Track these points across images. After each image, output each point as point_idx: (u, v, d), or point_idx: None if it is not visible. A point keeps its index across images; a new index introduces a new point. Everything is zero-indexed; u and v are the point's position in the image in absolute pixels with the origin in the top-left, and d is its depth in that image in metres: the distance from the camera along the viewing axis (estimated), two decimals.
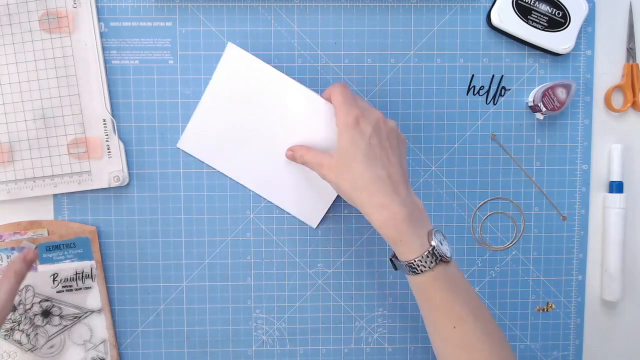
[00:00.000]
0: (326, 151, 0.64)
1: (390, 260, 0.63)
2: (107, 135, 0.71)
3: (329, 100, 0.66)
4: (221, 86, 0.70)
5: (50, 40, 0.69)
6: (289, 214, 0.73)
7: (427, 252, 0.57)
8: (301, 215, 0.73)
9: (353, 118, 0.60)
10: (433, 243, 0.58)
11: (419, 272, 0.58)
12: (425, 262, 0.57)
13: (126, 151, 0.71)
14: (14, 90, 0.69)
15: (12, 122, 0.70)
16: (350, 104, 0.62)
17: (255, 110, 0.70)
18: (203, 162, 0.72)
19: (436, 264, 0.57)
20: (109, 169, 0.71)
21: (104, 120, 0.70)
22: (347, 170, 0.60)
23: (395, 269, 0.63)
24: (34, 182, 0.70)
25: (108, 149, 0.70)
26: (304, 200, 0.72)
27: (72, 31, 0.69)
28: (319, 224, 0.73)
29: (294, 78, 0.71)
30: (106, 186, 0.71)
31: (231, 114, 0.70)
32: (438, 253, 0.57)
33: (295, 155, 0.68)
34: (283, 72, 0.69)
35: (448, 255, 0.58)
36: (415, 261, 0.57)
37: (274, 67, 0.69)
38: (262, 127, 0.70)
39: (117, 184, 0.71)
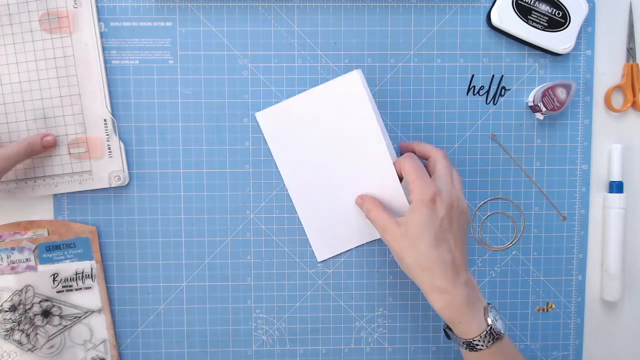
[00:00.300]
0: (394, 217, 0.63)
1: (444, 330, 0.64)
2: (107, 135, 0.71)
3: (399, 168, 0.66)
4: (321, 97, 0.69)
5: (51, 40, 0.69)
6: (290, 215, 0.73)
7: (484, 331, 0.58)
8: (315, 243, 0.74)
9: (429, 197, 0.60)
10: (489, 321, 0.59)
11: (476, 350, 0.59)
12: (483, 341, 0.58)
13: (126, 151, 0.71)
14: (15, 90, 0.69)
15: (13, 122, 0.70)
16: (426, 181, 0.61)
17: (335, 136, 0.70)
18: (201, 161, 0.72)
19: (493, 342, 0.59)
20: (109, 169, 0.71)
21: (105, 120, 0.70)
22: (414, 247, 0.60)
23: (449, 338, 0.64)
24: (34, 181, 0.70)
25: (109, 148, 0.71)
26: (326, 234, 0.73)
27: (73, 31, 0.69)
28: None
29: (294, 78, 0.72)
30: (107, 186, 0.71)
31: (315, 125, 0.70)
32: (494, 331, 0.59)
33: (363, 206, 0.68)
34: (285, 75, 0.70)
35: (502, 332, 0.59)
36: (473, 340, 0.59)
37: (372, 105, 0.68)
38: (333, 151, 0.70)
39: (117, 183, 0.71)
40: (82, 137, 0.71)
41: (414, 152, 0.68)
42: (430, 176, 0.63)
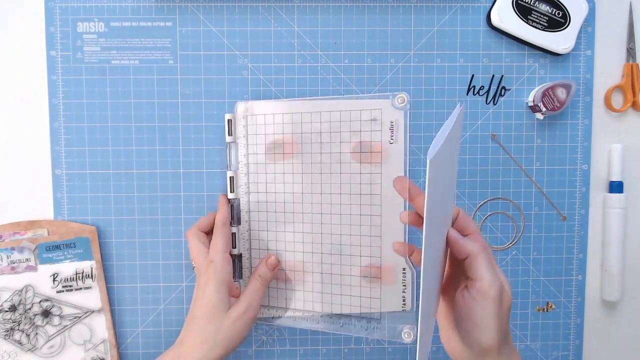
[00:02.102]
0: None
1: None
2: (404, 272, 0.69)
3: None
4: None
5: (360, 174, 0.69)
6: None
7: None
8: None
9: (497, 290, 0.54)
10: None
11: None
12: None
13: (126, 151, 0.71)
14: (315, 221, 0.70)
15: (308, 253, 0.70)
16: (494, 272, 0.54)
17: None
18: (201, 161, 0.72)
19: None
20: (398, 296, 0.69)
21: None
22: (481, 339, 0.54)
23: None
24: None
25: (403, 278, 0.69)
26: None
27: (383, 163, 0.68)
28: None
29: (294, 78, 0.72)
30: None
31: None
32: None
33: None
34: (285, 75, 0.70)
35: None
36: None
37: None
38: None
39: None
40: (377, 265, 0.69)
41: (457, 216, 0.59)
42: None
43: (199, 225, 0.69)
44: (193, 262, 0.68)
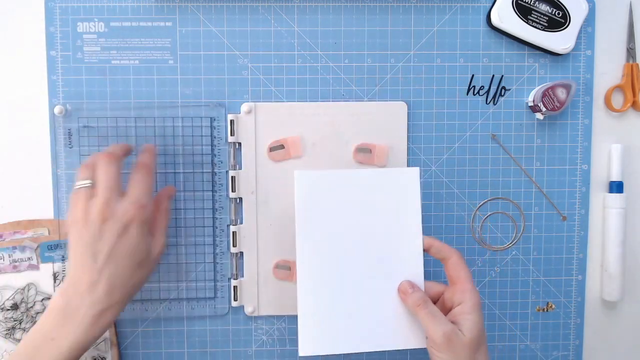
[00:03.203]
0: (449, 322, 0.59)
1: None
2: None
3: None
4: (372, 180, 0.64)
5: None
6: None
7: None
8: (305, 333, 0.62)
9: (480, 300, 0.60)
10: None
11: None
12: None
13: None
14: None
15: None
16: (473, 283, 0.61)
17: (372, 222, 0.64)
18: (203, 163, 0.72)
19: None
20: None
21: None
22: (478, 352, 0.58)
23: None
24: None
25: None
26: (324, 327, 0.62)
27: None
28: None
29: (294, 78, 0.72)
30: None
31: (355, 204, 0.64)
32: None
33: (412, 296, 0.61)
34: (285, 75, 0.70)
35: None
36: None
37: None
38: (364, 237, 0.64)
39: None
40: None
41: (430, 247, 0.63)
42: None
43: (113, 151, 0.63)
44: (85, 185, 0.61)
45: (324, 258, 0.63)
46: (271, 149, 0.71)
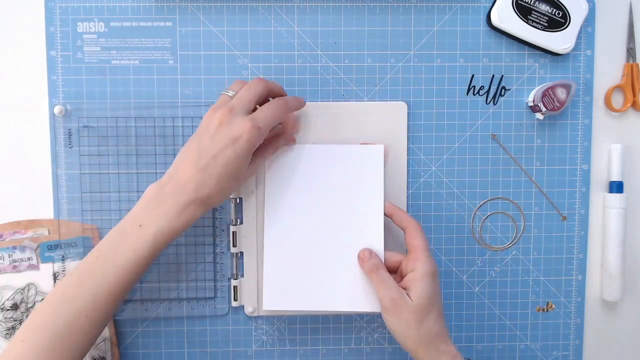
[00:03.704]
0: (400, 287, 0.63)
1: None
2: None
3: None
4: (337, 155, 0.70)
5: None
6: None
7: None
8: (269, 290, 0.69)
9: (434, 269, 0.63)
10: None
11: None
12: None
13: (126, 151, 0.71)
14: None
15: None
16: (429, 253, 0.64)
17: (336, 194, 0.69)
18: None
19: None
20: None
21: None
22: (426, 318, 0.61)
23: None
24: None
25: None
26: (287, 286, 0.69)
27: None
28: None
29: (294, 78, 0.72)
30: None
31: (320, 177, 0.70)
32: None
33: (368, 261, 0.67)
34: (285, 75, 0.70)
35: None
36: None
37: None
38: (328, 207, 0.69)
39: None
40: None
41: (392, 215, 0.68)
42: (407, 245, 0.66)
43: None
44: (231, 92, 0.64)
45: (290, 224, 0.69)
46: None
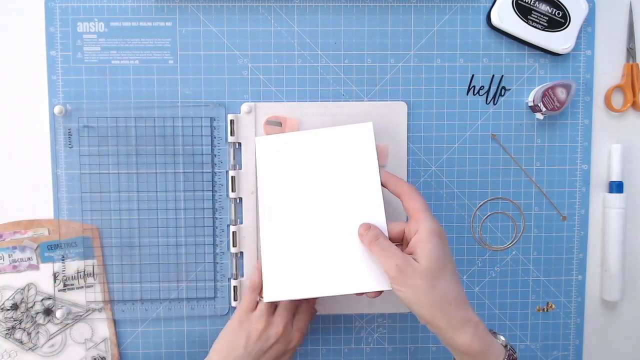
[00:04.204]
0: (402, 253, 0.59)
1: None
2: None
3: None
4: (328, 139, 0.68)
5: None
6: None
7: (507, 353, 0.57)
8: (269, 282, 0.66)
9: (439, 228, 0.59)
10: (503, 343, 0.59)
11: None
12: None
13: (126, 151, 0.71)
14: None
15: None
16: (431, 212, 0.60)
17: (331, 179, 0.67)
18: (203, 162, 0.72)
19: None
20: None
21: None
22: (439, 280, 0.56)
23: None
24: None
25: None
26: (287, 275, 0.66)
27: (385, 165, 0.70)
28: None
29: (294, 78, 0.72)
30: None
31: (314, 163, 0.68)
32: (511, 349, 0.58)
33: (369, 233, 0.62)
34: (285, 75, 0.70)
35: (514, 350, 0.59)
36: None
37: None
38: (324, 193, 0.67)
39: None
40: None
41: (387, 182, 0.65)
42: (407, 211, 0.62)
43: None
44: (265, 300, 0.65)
45: (285, 212, 0.67)
46: (267, 122, 0.71)
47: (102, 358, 0.73)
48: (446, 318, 0.56)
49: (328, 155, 0.67)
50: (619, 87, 0.74)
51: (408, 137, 0.73)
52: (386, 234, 0.62)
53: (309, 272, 0.65)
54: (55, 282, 0.72)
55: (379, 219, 0.64)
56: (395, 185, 0.63)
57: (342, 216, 0.65)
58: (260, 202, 0.68)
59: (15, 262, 0.71)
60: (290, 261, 0.66)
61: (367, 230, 0.62)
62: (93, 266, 0.72)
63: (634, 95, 0.74)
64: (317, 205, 0.66)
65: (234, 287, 0.73)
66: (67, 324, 0.72)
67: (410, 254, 0.58)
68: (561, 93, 0.70)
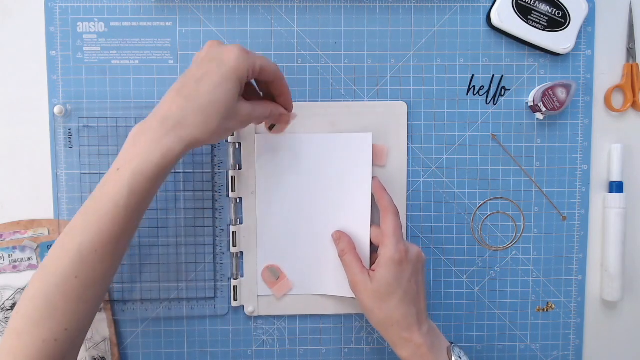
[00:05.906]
0: (365, 270, 0.65)
1: None
2: None
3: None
4: (327, 144, 0.71)
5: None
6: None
7: None
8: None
9: (399, 256, 0.62)
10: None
11: None
12: None
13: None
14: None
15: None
16: (399, 239, 0.64)
17: (326, 182, 0.71)
18: (203, 162, 0.72)
19: None
20: None
21: None
22: (385, 303, 0.62)
23: None
24: None
25: None
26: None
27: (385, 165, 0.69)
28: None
29: (294, 78, 0.72)
30: None
31: (311, 166, 0.71)
32: None
33: (338, 243, 0.70)
34: (285, 75, 0.70)
35: None
36: None
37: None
38: (318, 195, 0.72)
39: None
40: None
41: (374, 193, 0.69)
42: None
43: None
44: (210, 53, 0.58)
45: (280, 211, 0.71)
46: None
47: (102, 358, 0.73)
48: (387, 335, 0.63)
49: (325, 159, 0.71)
50: (619, 87, 0.74)
51: (408, 137, 0.73)
52: (368, 239, 0.70)
53: (301, 273, 0.72)
54: None
55: (364, 224, 0.70)
56: (378, 199, 0.68)
57: (331, 220, 0.71)
58: (258, 198, 0.72)
59: (15, 262, 0.71)
60: (284, 259, 0.72)
61: (338, 241, 0.69)
62: None
63: (634, 95, 0.74)
64: (309, 207, 0.71)
65: (234, 287, 0.73)
66: None
67: (374, 270, 0.64)
68: (561, 93, 0.70)
